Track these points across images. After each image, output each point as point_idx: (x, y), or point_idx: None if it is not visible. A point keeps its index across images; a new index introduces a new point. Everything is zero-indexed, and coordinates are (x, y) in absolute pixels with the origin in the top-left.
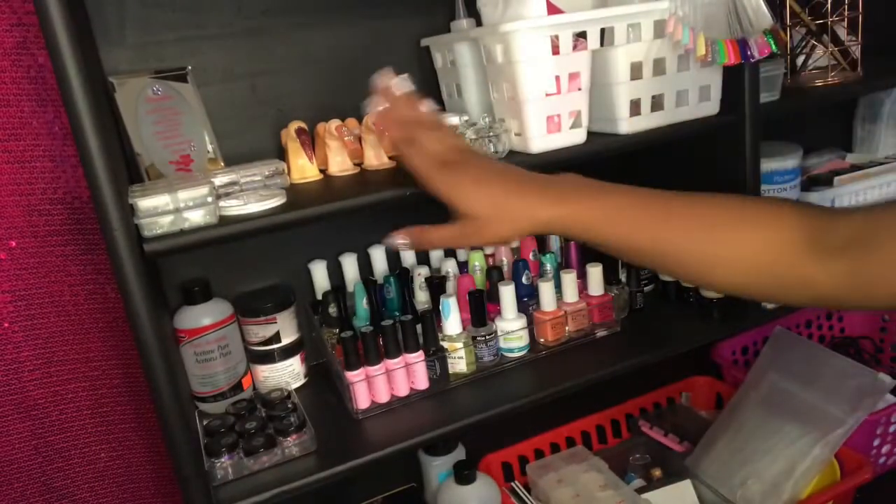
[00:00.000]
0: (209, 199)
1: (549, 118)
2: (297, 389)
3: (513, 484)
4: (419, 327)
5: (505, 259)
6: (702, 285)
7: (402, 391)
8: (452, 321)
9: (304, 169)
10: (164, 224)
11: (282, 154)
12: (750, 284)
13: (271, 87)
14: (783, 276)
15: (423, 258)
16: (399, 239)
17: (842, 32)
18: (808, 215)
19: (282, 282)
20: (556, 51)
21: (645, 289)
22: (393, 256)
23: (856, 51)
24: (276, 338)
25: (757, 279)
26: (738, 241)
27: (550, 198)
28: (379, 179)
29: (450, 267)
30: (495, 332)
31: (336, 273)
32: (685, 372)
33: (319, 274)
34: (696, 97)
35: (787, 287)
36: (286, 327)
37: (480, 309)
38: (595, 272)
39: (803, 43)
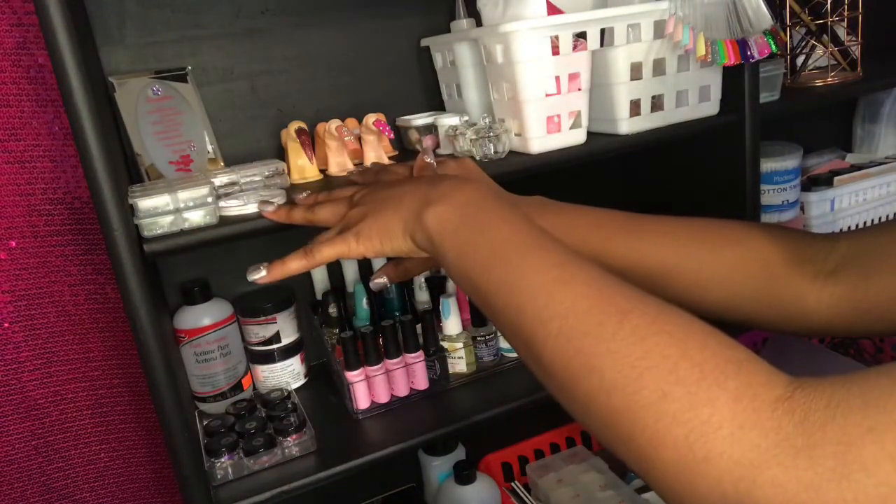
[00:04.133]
0: (209, 200)
1: (549, 118)
2: (297, 389)
3: (513, 484)
4: (419, 327)
5: None
6: (694, 307)
7: (402, 391)
8: (452, 321)
9: (304, 169)
10: (164, 224)
11: (282, 154)
12: (745, 307)
13: (271, 87)
14: (776, 299)
15: None
16: (378, 279)
17: (842, 32)
18: (796, 238)
19: (282, 282)
20: (556, 51)
21: None
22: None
23: (856, 51)
24: (276, 338)
25: (752, 302)
26: (729, 259)
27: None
28: None
29: None
30: (495, 332)
31: (336, 273)
32: None
33: (319, 274)
34: (696, 97)
35: (783, 310)
36: (286, 327)
37: None
38: None
39: (803, 43)
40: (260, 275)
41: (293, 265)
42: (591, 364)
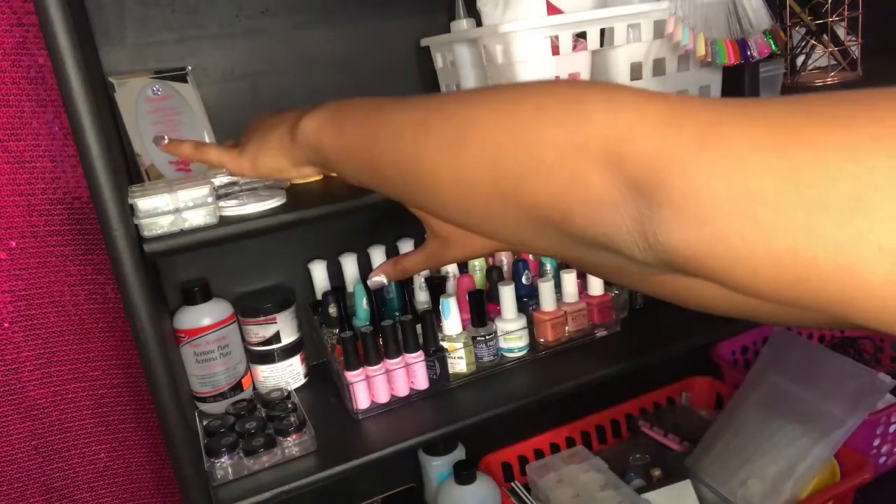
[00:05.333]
0: (209, 200)
1: None
2: (297, 389)
3: (513, 484)
4: (419, 327)
5: (505, 259)
6: (696, 303)
7: (402, 391)
8: (452, 321)
9: None
10: (164, 224)
11: None
12: (749, 301)
13: (271, 87)
14: None
15: None
16: (376, 277)
17: (842, 32)
18: None
19: (282, 282)
20: (555, 51)
21: None
22: (393, 256)
23: (856, 51)
24: (276, 338)
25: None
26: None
27: None
28: None
29: (450, 267)
30: (495, 332)
31: (336, 273)
32: (685, 372)
33: (319, 274)
34: None
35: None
36: (286, 327)
37: (480, 309)
38: None
39: (803, 43)
40: (163, 142)
41: (183, 149)
42: (471, 134)
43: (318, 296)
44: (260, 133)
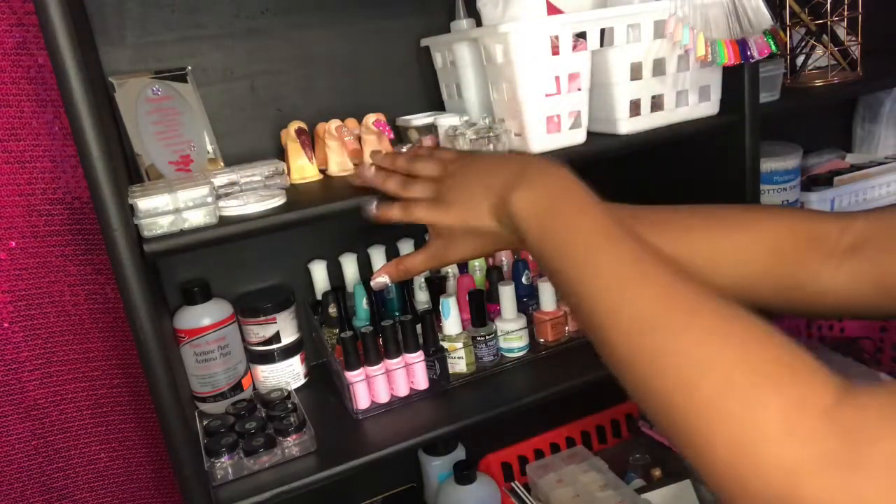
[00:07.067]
0: (209, 200)
1: (548, 118)
2: (297, 389)
3: (513, 484)
4: (419, 327)
5: (505, 259)
6: None
7: (402, 391)
8: (452, 321)
9: (303, 169)
10: (164, 224)
11: (282, 154)
12: (760, 290)
13: (271, 87)
14: (790, 279)
15: None
16: (379, 278)
17: (842, 32)
18: (806, 217)
19: (282, 282)
20: (555, 51)
21: None
22: (393, 257)
23: (856, 51)
24: (276, 338)
25: (766, 283)
26: (737, 242)
27: None
28: None
29: (450, 267)
30: (495, 332)
31: (336, 273)
32: None
33: (319, 274)
34: (696, 97)
35: (798, 291)
36: (286, 327)
37: (480, 309)
38: None
39: (803, 43)
40: (372, 213)
41: (393, 213)
42: (657, 361)
43: (318, 296)
44: (468, 194)
